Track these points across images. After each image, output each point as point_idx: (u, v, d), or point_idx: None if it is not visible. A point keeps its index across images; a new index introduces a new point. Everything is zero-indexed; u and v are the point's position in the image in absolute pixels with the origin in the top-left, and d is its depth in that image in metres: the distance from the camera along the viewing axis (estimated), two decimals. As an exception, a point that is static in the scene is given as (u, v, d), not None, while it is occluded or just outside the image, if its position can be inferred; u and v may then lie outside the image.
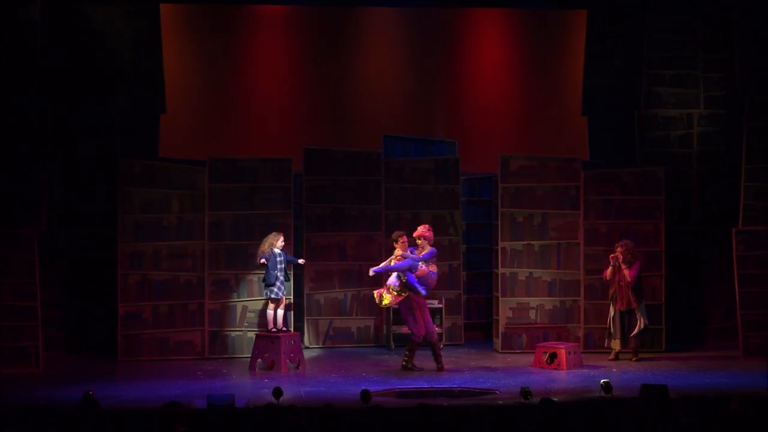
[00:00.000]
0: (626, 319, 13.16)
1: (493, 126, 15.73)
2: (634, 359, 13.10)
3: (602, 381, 10.02)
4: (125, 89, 14.41)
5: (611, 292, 13.22)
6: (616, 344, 13.18)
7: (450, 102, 15.85)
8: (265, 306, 13.03)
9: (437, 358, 12.50)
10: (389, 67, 15.71)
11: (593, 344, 13.71)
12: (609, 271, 13.17)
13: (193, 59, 15.24)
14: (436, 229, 14.42)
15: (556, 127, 15.71)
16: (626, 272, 13.07)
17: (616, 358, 13.16)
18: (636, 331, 13.12)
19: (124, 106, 14.39)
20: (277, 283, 12.76)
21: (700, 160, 14.97)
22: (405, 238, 12.64)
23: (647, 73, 14.90)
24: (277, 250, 12.79)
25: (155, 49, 14.54)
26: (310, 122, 15.40)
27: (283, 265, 12.86)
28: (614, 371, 12.34)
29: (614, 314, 13.19)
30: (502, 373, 12.35)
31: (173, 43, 14.93)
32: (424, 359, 12.67)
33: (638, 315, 13.14)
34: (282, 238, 12.90)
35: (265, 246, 12.80)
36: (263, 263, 12.74)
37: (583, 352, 13.20)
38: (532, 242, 14.08)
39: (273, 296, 12.78)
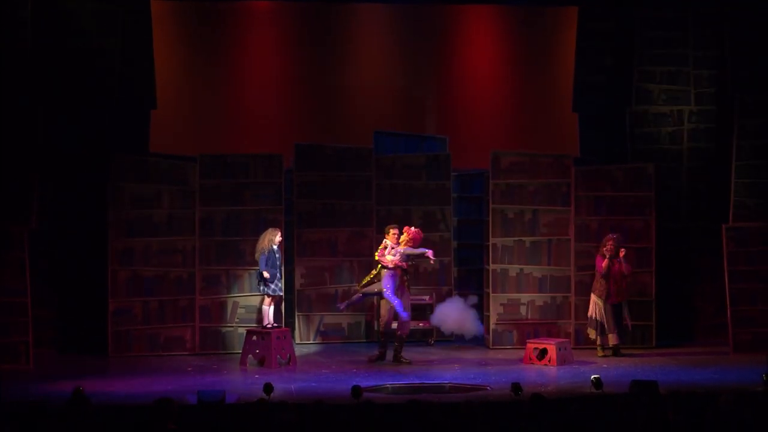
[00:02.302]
0: (618, 312, 13.18)
1: (484, 122, 15.75)
2: (617, 355, 13.13)
3: (593, 377, 10.03)
4: (116, 85, 14.35)
5: (606, 285, 13.18)
6: (613, 338, 13.17)
7: (441, 98, 15.86)
8: (262, 302, 13.02)
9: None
10: (380, 63, 15.71)
11: (584, 340, 13.73)
12: (606, 263, 13.16)
13: (184, 55, 15.23)
14: (428, 225, 14.47)
15: (547, 124, 15.73)
16: (624, 265, 13.11)
17: (614, 353, 13.14)
18: (629, 325, 13.16)
19: (114, 101, 14.35)
20: (275, 280, 12.77)
21: (690, 157, 14.99)
22: (396, 231, 12.77)
23: (638, 69, 14.92)
24: (275, 247, 12.80)
25: (146, 44, 14.51)
26: (301, 118, 15.40)
27: (279, 262, 12.87)
28: (604, 367, 12.37)
29: (605, 309, 13.19)
30: (493, 369, 12.38)
31: (164, 38, 14.90)
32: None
33: (625, 309, 13.18)
34: (279, 234, 12.90)
35: (264, 243, 12.78)
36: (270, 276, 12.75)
37: (573, 348, 13.22)
38: (523, 238, 14.10)
39: (271, 293, 12.77)
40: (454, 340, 14.11)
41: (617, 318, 13.16)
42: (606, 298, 13.18)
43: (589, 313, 13.29)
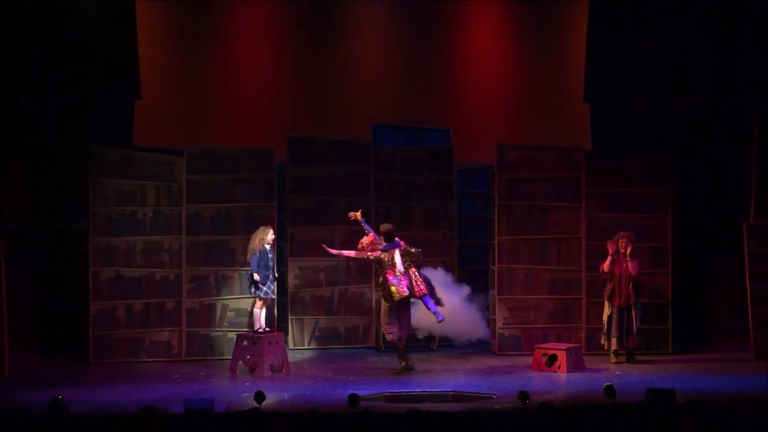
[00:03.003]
0: (625, 316, 13.14)
1: (490, 113, 15.71)
2: (631, 362, 13.09)
3: (605, 385, 10.02)
4: (98, 74, 14.33)
5: (610, 287, 13.15)
6: (614, 343, 13.15)
7: (444, 88, 15.81)
8: (254, 305, 12.99)
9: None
10: (379, 51, 15.66)
11: (595, 346, 13.69)
12: (608, 263, 13.13)
13: (171, 42, 15.18)
14: (429, 223, 14.44)
15: (556, 115, 15.70)
16: (630, 265, 13.06)
17: (626, 359, 13.11)
18: (634, 329, 13.12)
19: (96, 91, 14.32)
20: (268, 282, 12.73)
21: (708, 151, 14.97)
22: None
23: (653, 58, 14.89)
24: (267, 246, 12.76)
25: (130, 31, 14.47)
26: (295, 109, 15.36)
27: (272, 263, 12.84)
28: (618, 374, 12.35)
29: (611, 311, 13.15)
30: (499, 376, 12.35)
31: (149, 24, 14.86)
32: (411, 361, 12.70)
33: (635, 313, 13.14)
34: (271, 232, 12.88)
35: (255, 242, 12.76)
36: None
37: (584, 354, 13.19)
38: (530, 237, 14.05)
39: (263, 295, 12.74)
40: (458, 346, 14.08)
41: (621, 322, 13.11)
42: (610, 301, 13.13)
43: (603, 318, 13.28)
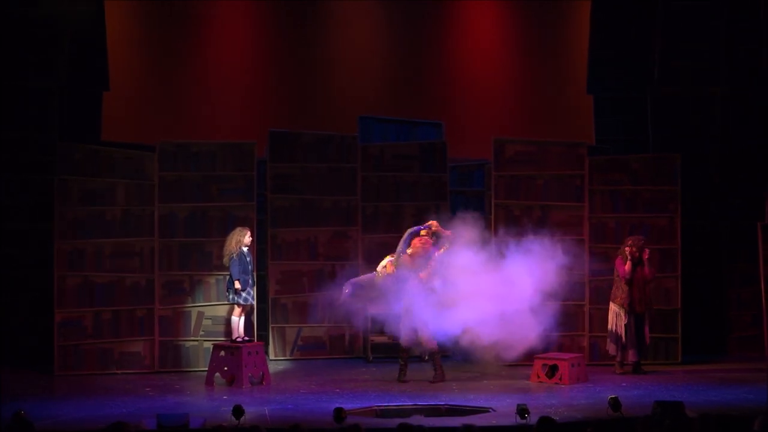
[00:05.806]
0: (640, 324, 13.19)
1: (486, 106, 15.76)
2: (638, 373, 13.15)
3: (610, 397, 10.08)
4: (63, 63, 14.33)
5: (630, 292, 13.14)
6: (632, 355, 13.17)
7: (437, 78, 15.85)
8: (231, 313, 13.02)
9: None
10: (367, 38, 15.71)
11: (599, 355, 13.75)
12: (629, 268, 13.14)
13: (142, 29, 15.21)
14: (421, 223, 14.44)
15: (557, 107, 15.76)
16: (647, 268, 13.12)
17: (634, 370, 13.16)
18: (647, 339, 13.20)
19: (62, 82, 14.32)
20: (247, 288, 12.76)
21: (721, 146, 15.02)
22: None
23: (662, 44, 14.94)
24: (245, 249, 12.79)
25: (98, 17, 14.48)
26: (276, 101, 15.40)
27: (251, 267, 12.87)
28: (623, 386, 12.40)
29: (627, 320, 13.17)
30: (496, 388, 12.39)
31: (118, 10, 14.87)
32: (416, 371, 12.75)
33: (647, 321, 13.21)
34: (249, 234, 12.90)
35: (231, 244, 12.78)
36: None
37: (587, 365, 13.24)
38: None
39: (242, 302, 12.78)
40: (452, 355, 14.12)
41: (639, 330, 13.18)
42: (630, 308, 13.14)
43: (609, 326, 13.28)
